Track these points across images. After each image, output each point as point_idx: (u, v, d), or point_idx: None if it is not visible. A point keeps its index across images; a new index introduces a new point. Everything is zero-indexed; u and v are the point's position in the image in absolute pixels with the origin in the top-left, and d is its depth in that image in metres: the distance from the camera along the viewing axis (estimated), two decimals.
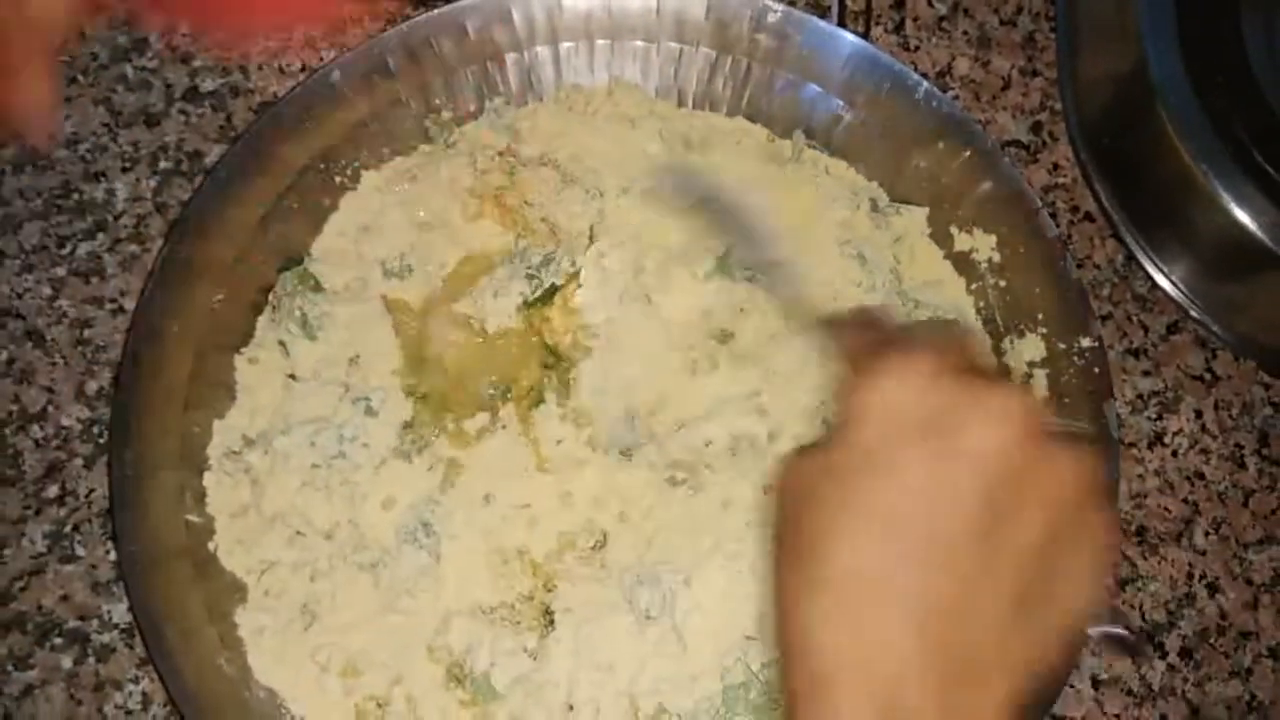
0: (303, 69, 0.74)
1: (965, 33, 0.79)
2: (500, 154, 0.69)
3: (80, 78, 0.74)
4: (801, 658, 0.35)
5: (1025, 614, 0.35)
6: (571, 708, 0.59)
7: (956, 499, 0.34)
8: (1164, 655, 0.66)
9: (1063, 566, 0.35)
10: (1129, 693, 0.65)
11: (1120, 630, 0.40)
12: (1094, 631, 0.40)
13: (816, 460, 0.37)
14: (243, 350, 0.65)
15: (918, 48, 0.78)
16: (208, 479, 0.62)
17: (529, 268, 0.65)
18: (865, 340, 0.42)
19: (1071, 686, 0.65)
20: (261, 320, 0.66)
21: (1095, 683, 0.65)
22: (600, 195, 0.68)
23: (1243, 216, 0.65)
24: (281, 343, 0.65)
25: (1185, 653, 0.66)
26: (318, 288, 0.65)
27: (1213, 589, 0.67)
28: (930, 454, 0.35)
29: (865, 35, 0.76)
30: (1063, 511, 0.35)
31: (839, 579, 0.35)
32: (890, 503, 0.35)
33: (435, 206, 0.67)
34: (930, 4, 0.80)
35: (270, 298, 0.66)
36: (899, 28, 0.79)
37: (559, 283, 0.66)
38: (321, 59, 0.74)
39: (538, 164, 0.69)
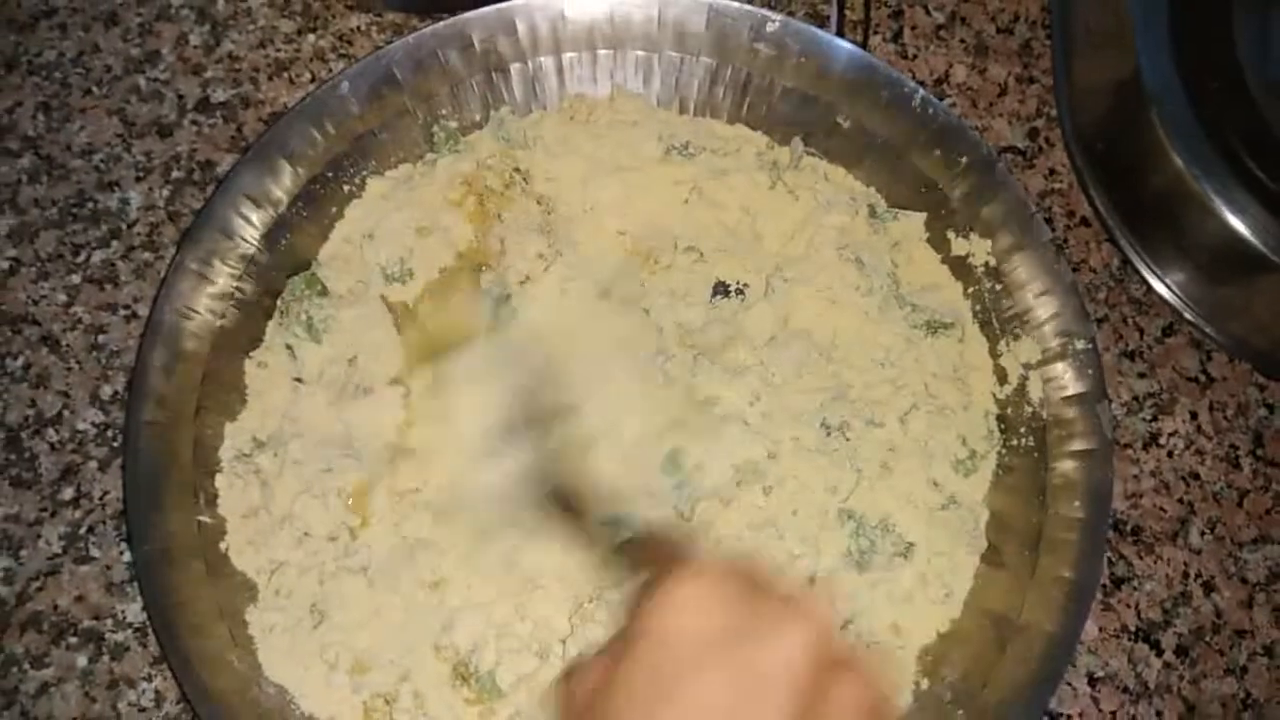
0: (312, 80, 0.76)
1: (962, 41, 0.80)
2: (515, 170, 0.71)
3: (94, 89, 0.75)
4: None
5: None
6: None
7: (763, 706, 0.34)
8: (1160, 653, 0.67)
9: None
10: (1124, 690, 0.66)
11: None
12: None
13: (607, 675, 0.37)
14: (252, 354, 0.66)
15: (915, 56, 0.80)
16: (219, 481, 0.63)
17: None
18: (666, 560, 0.41)
19: (1068, 684, 0.65)
20: (270, 325, 0.67)
21: (1091, 680, 0.66)
22: (559, 257, 0.69)
23: (1236, 221, 0.66)
24: (289, 346, 0.66)
25: (1181, 650, 0.67)
26: (324, 292, 0.67)
27: (1208, 588, 0.68)
28: (728, 673, 0.35)
29: (863, 44, 0.77)
30: None
31: None
32: (693, 712, 0.34)
33: (434, 210, 0.68)
34: (928, 13, 0.81)
35: (279, 303, 0.67)
36: (897, 36, 0.80)
37: None
38: (330, 70, 0.76)
39: (534, 197, 0.71)
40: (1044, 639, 0.61)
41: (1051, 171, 0.77)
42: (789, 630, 0.35)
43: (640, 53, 0.73)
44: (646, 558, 0.43)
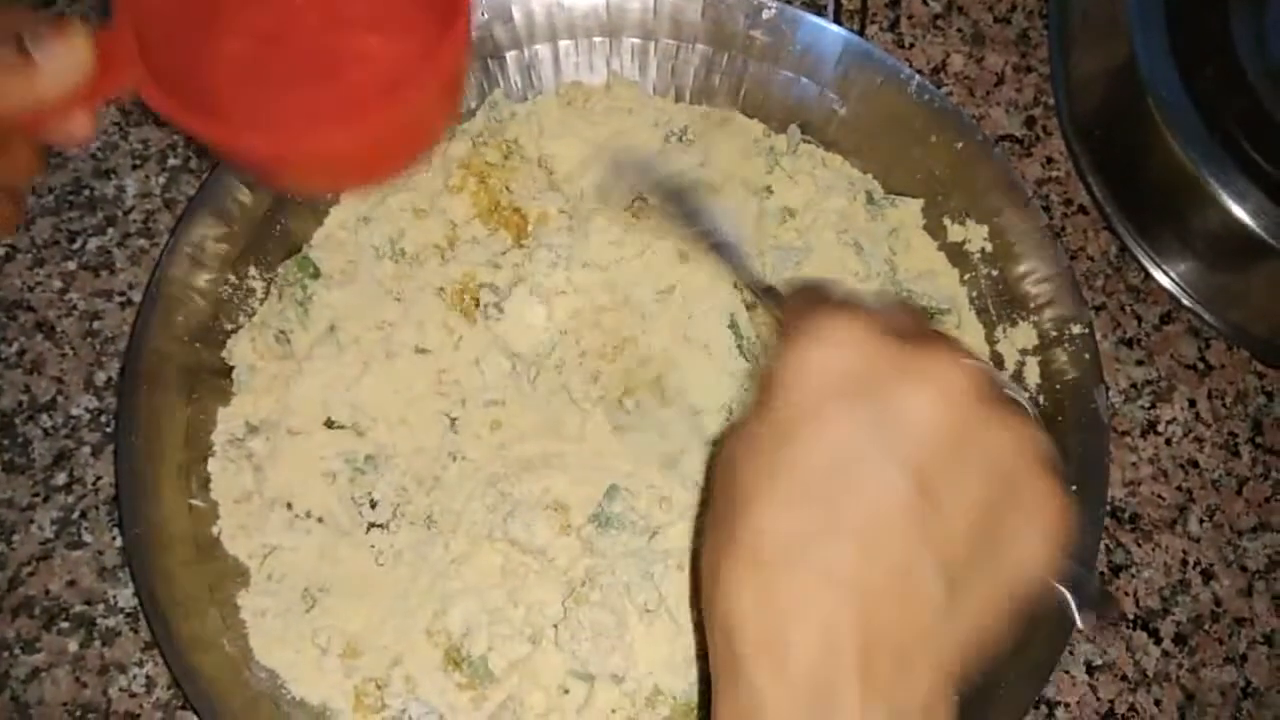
0: None
1: (959, 30, 0.80)
2: (513, 142, 0.70)
3: None
4: (721, 632, 0.33)
5: (964, 591, 0.32)
6: (567, 691, 0.60)
7: (886, 467, 0.32)
8: (1159, 641, 0.66)
9: (1005, 540, 0.33)
10: (1123, 678, 0.65)
11: (1086, 585, 0.37)
12: (1061, 594, 0.37)
13: (747, 426, 0.35)
14: (245, 338, 0.66)
15: (913, 45, 0.80)
16: (212, 465, 0.63)
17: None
18: (802, 307, 0.39)
19: (1065, 671, 0.65)
20: (263, 309, 0.67)
21: (1089, 668, 0.65)
22: (576, 214, 0.68)
23: (1234, 206, 0.66)
24: (281, 330, 0.66)
25: (1180, 639, 0.66)
26: (316, 275, 0.67)
27: (1207, 576, 0.68)
28: (860, 418, 0.32)
29: (860, 32, 0.77)
30: (1004, 483, 0.33)
31: (754, 544, 0.32)
32: (813, 466, 0.32)
33: (432, 195, 0.68)
34: (925, 2, 0.81)
35: (271, 287, 0.67)
36: (894, 25, 0.80)
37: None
38: None
39: (535, 164, 0.71)
40: (1040, 626, 0.60)
41: (1049, 160, 0.76)
42: (929, 378, 0.32)
43: (636, 40, 0.73)
44: (793, 307, 0.40)
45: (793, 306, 0.41)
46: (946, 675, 0.32)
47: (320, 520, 0.63)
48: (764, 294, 0.48)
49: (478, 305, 0.66)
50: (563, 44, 0.72)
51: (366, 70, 0.49)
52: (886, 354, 0.33)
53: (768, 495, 0.33)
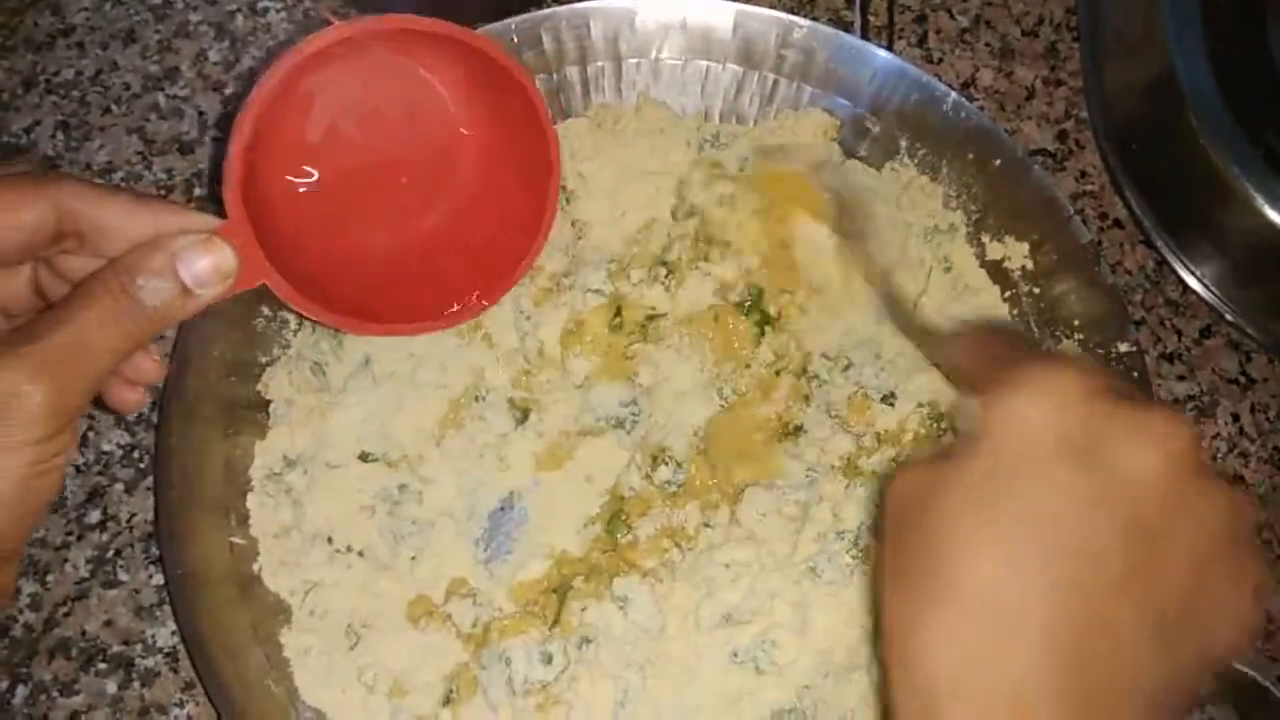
0: None
1: (988, 44, 0.80)
2: None
3: (113, 107, 0.75)
4: (913, 677, 0.33)
5: (1165, 650, 0.32)
6: None
7: (1103, 522, 0.32)
8: None
9: (1208, 606, 0.33)
10: None
11: (1257, 677, 0.38)
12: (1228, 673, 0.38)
13: (938, 472, 0.35)
14: (279, 370, 0.65)
15: (941, 60, 0.79)
16: (250, 501, 0.62)
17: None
18: (989, 355, 0.39)
19: None
20: (297, 340, 0.66)
21: None
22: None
23: (1275, 217, 0.65)
24: (316, 362, 0.65)
25: None
26: None
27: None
28: (1079, 472, 0.32)
29: (889, 48, 0.76)
30: (1214, 548, 0.33)
31: (960, 595, 0.32)
32: (1027, 518, 0.32)
33: None
34: (952, 16, 0.80)
35: (295, 319, 0.66)
36: (922, 40, 0.79)
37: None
38: None
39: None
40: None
41: (1083, 174, 0.76)
42: (1150, 439, 0.32)
43: (667, 61, 0.72)
44: (978, 359, 0.40)
45: (973, 353, 0.42)
46: None
47: (360, 554, 0.62)
48: (929, 340, 0.48)
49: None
50: (592, 67, 0.72)
51: (463, 256, 0.56)
52: (1103, 410, 0.33)
53: (981, 548, 0.33)
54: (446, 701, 0.58)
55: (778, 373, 0.65)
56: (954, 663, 0.32)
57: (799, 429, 0.64)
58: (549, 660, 0.58)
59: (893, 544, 0.36)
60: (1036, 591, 0.32)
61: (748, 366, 0.65)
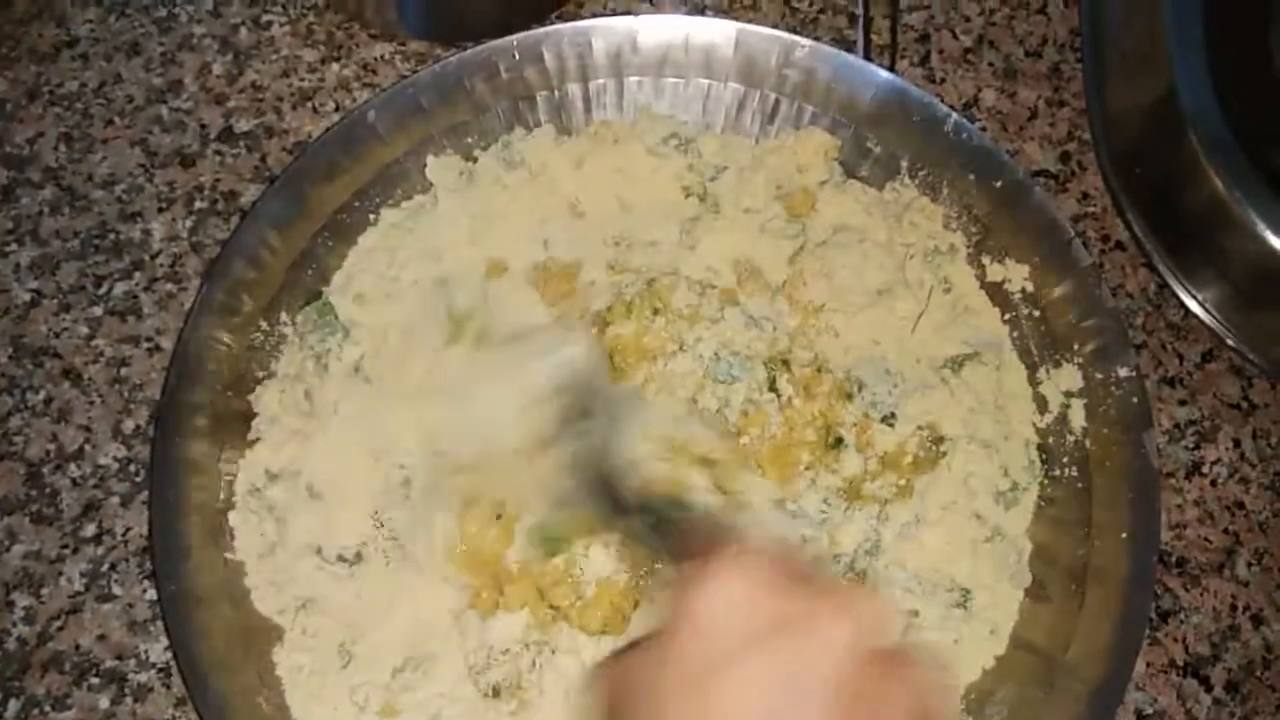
0: (336, 109, 0.75)
1: (990, 64, 0.79)
2: None
3: (116, 119, 0.75)
4: None
5: None
6: None
7: (805, 700, 0.33)
8: (1209, 689, 0.65)
9: None
10: None
11: None
12: None
13: (645, 659, 0.36)
14: (268, 385, 0.65)
15: (943, 80, 0.79)
16: (233, 517, 0.62)
17: None
18: (702, 544, 0.40)
19: None
20: (284, 355, 0.66)
21: (1140, 718, 0.64)
22: None
23: (1277, 243, 0.65)
24: (301, 376, 0.65)
25: (1231, 686, 0.65)
26: (335, 321, 0.66)
27: (1257, 620, 0.66)
28: (777, 653, 0.33)
29: (891, 68, 0.76)
30: None
31: None
32: (734, 704, 0.33)
33: (445, 238, 0.68)
34: (955, 36, 0.80)
35: (291, 333, 0.66)
36: (924, 60, 0.79)
37: None
38: (354, 99, 0.75)
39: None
40: (1092, 677, 0.59)
41: (1085, 195, 0.76)
42: (836, 621, 0.34)
43: (668, 79, 0.72)
44: (688, 546, 0.41)
45: (685, 545, 0.42)
46: None
47: (350, 563, 0.61)
48: (649, 534, 0.49)
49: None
50: (593, 84, 0.72)
51: None
52: (793, 592, 0.35)
53: None
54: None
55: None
56: None
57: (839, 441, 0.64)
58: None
59: None
60: None
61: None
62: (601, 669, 0.39)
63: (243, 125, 0.75)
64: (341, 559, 0.62)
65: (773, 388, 0.63)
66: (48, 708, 0.61)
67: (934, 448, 0.63)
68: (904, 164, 0.70)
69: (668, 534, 0.47)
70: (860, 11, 0.78)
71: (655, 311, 0.64)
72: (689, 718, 0.34)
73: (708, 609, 0.35)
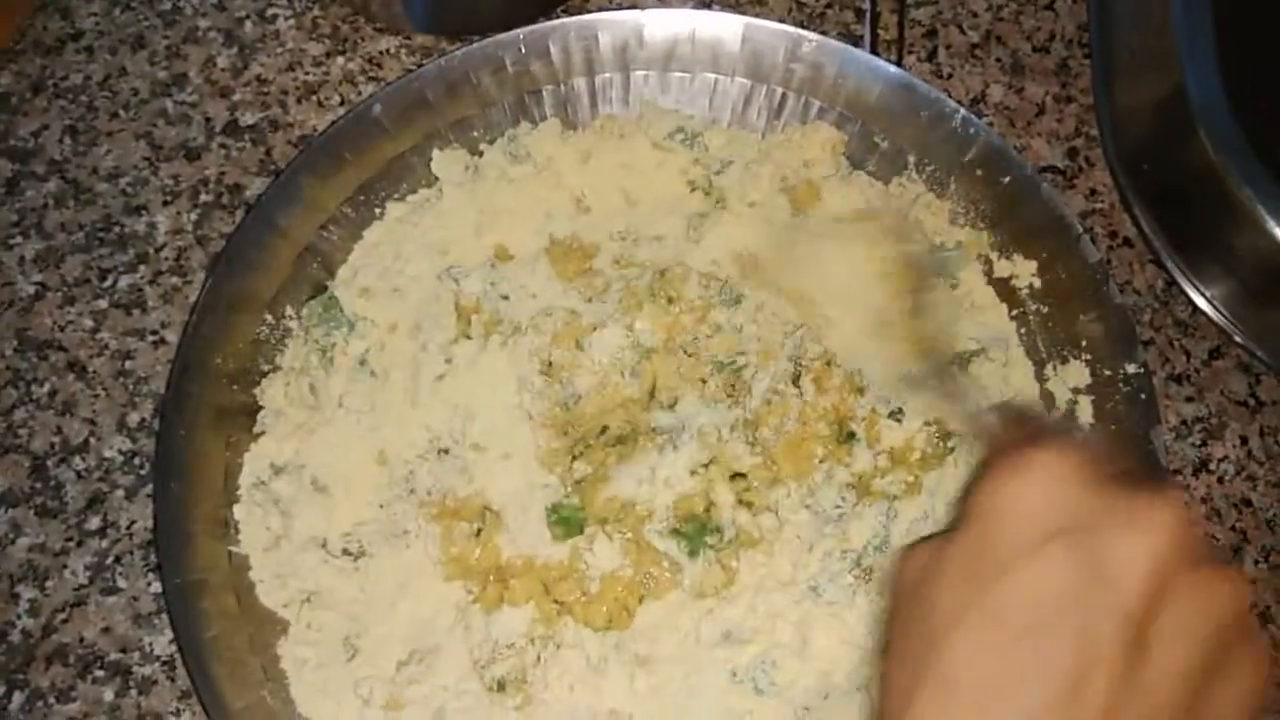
0: (341, 103, 0.75)
1: (998, 60, 0.79)
2: None
3: (121, 112, 0.75)
4: None
5: None
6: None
7: (1097, 615, 0.32)
8: None
9: (1210, 698, 0.33)
10: None
11: None
12: None
13: (938, 553, 0.35)
14: (273, 378, 0.65)
15: (951, 75, 0.78)
16: (238, 510, 0.62)
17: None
18: (1012, 437, 0.39)
19: None
20: (289, 349, 0.66)
21: None
22: None
23: None
24: (306, 370, 0.65)
25: None
26: (341, 315, 0.66)
27: (1265, 618, 0.66)
28: (1072, 563, 0.32)
29: (898, 63, 0.76)
30: (1213, 638, 0.33)
31: (954, 681, 0.32)
32: (1021, 608, 0.32)
33: (451, 231, 0.68)
34: (962, 31, 0.80)
35: (296, 327, 0.66)
36: (931, 55, 0.79)
37: None
38: (359, 93, 0.75)
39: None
40: None
41: (1092, 191, 0.75)
42: (1142, 527, 0.32)
43: (675, 74, 0.72)
44: (1004, 437, 0.41)
45: (999, 435, 0.42)
46: None
47: (355, 557, 0.61)
48: (973, 420, 0.49)
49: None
50: (600, 78, 0.71)
51: None
52: (1098, 496, 0.33)
53: (972, 633, 0.33)
54: (440, 715, 0.58)
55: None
56: None
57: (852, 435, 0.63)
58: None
59: (895, 621, 0.37)
60: (1025, 688, 0.32)
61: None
62: (907, 553, 0.37)
63: (248, 119, 0.75)
64: (346, 552, 0.62)
65: (795, 381, 0.63)
66: (52, 700, 0.61)
67: (941, 444, 0.63)
68: (911, 159, 0.70)
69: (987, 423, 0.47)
70: (867, 6, 0.78)
71: (670, 300, 0.64)
72: (968, 604, 0.33)
73: (1006, 498, 0.34)
